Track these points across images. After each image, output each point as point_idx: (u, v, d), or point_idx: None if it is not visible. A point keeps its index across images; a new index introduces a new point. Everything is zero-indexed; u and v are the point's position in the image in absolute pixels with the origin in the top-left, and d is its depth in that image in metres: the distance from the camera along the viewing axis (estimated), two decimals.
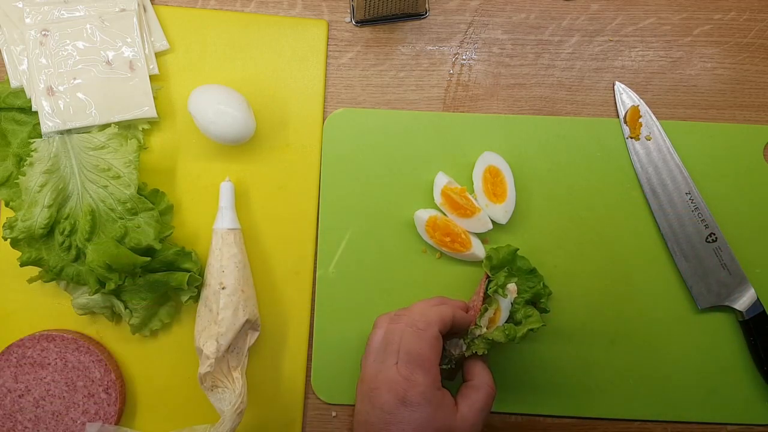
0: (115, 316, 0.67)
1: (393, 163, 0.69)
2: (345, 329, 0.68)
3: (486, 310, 0.60)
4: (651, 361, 0.68)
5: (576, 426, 0.68)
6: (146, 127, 0.68)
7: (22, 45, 0.66)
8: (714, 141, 0.69)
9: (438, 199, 0.67)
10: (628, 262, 0.68)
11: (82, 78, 0.65)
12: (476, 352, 0.59)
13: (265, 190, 0.69)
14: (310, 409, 0.68)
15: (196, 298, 0.65)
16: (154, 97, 0.66)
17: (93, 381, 0.65)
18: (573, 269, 0.68)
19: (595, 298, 0.68)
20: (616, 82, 0.70)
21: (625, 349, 0.68)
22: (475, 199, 0.67)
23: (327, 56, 0.70)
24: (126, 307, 0.65)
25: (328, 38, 0.70)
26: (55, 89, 0.65)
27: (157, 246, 0.63)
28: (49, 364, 0.65)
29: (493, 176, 0.67)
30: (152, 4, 0.69)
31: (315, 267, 0.68)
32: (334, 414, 0.68)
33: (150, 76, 0.67)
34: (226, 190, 0.66)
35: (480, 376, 0.59)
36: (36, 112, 0.65)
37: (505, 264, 0.63)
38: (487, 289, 0.62)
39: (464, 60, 0.70)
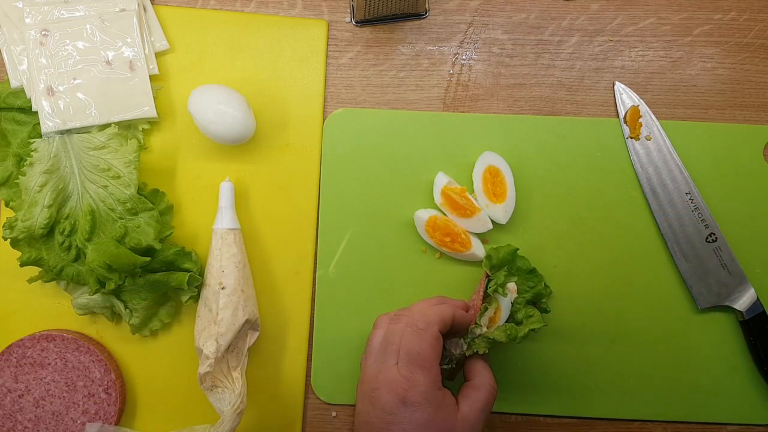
0: (115, 316, 0.67)
1: (393, 163, 0.69)
2: (345, 329, 0.68)
3: (486, 309, 0.60)
4: (651, 361, 0.68)
5: (576, 426, 0.68)
6: (146, 127, 0.68)
7: (22, 45, 0.66)
8: (714, 141, 0.69)
9: (438, 199, 0.67)
10: (628, 262, 0.68)
11: (82, 78, 0.65)
12: (477, 351, 0.59)
13: (265, 190, 0.69)
14: (310, 409, 0.68)
15: (196, 298, 0.65)
16: (154, 97, 0.66)
17: (93, 381, 0.65)
18: (573, 269, 0.68)
19: (595, 298, 0.68)
20: (616, 82, 0.70)
21: (625, 349, 0.68)
22: (475, 199, 0.67)
23: (327, 56, 0.70)
24: (126, 307, 0.65)
25: (328, 38, 0.70)
26: (55, 89, 0.65)
27: (157, 246, 0.63)
28: (49, 364, 0.65)
29: (493, 176, 0.67)
30: (152, 4, 0.69)
31: (315, 267, 0.68)
32: (334, 414, 0.68)
33: (150, 76, 0.67)
34: (226, 190, 0.66)
35: (481, 375, 0.59)
36: (36, 112, 0.65)
37: (505, 263, 0.63)
38: (486, 289, 0.62)
39: (464, 60, 0.70)
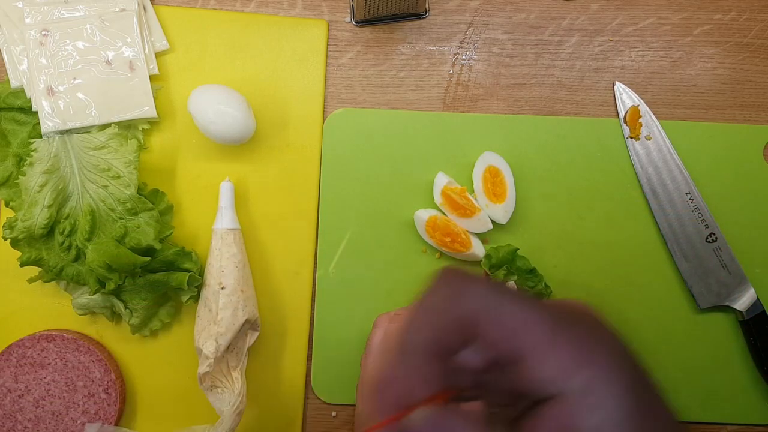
0: (115, 316, 0.67)
1: (393, 163, 0.69)
2: (345, 329, 0.68)
3: None
4: (651, 361, 0.67)
5: None
6: (146, 127, 0.68)
7: (22, 45, 0.66)
8: (714, 141, 0.69)
9: (438, 199, 0.67)
10: (628, 262, 0.68)
11: (82, 78, 0.65)
12: None
13: (265, 190, 0.69)
14: (310, 409, 0.68)
15: (196, 298, 0.65)
16: (154, 97, 0.66)
17: (93, 381, 0.65)
18: (573, 269, 0.68)
19: (595, 298, 0.68)
20: (616, 82, 0.70)
21: None
22: (475, 199, 0.67)
23: (327, 56, 0.70)
24: (126, 307, 0.65)
25: (328, 38, 0.70)
26: (55, 89, 0.65)
27: (157, 246, 0.63)
28: (49, 364, 0.65)
29: (493, 176, 0.67)
30: (152, 4, 0.69)
31: (315, 267, 0.68)
32: (334, 414, 0.68)
33: (150, 76, 0.67)
34: (225, 190, 0.66)
35: None
36: (36, 112, 0.65)
37: (504, 263, 0.63)
38: None
39: (464, 60, 0.70)
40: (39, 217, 0.63)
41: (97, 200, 0.64)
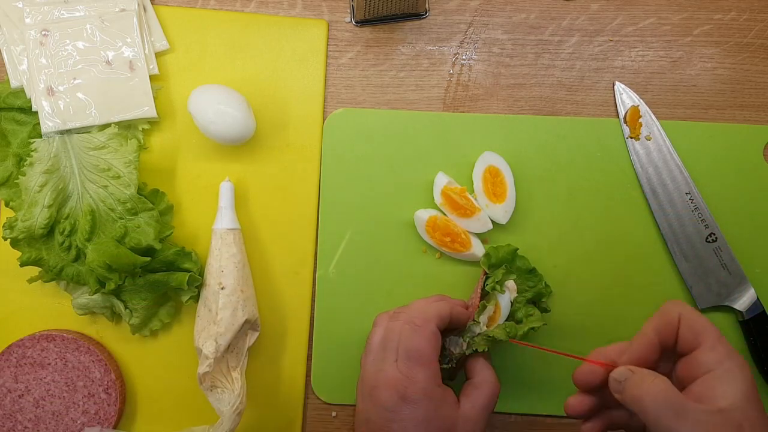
0: (115, 316, 0.67)
1: (393, 163, 0.69)
2: (345, 329, 0.68)
3: (485, 307, 0.60)
4: None
5: (576, 426, 0.68)
6: (146, 127, 0.68)
7: (22, 45, 0.66)
8: (714, 141, 0.69)
9: (438, 199, 0.67)
10: (628, 262, 0.68)
11: (82, 78, 0.65)
12: (476, 349, 0.59)
13: (265, 190, 0.69)
14: (310, 409, 0.68)
15: (196, 298, 0.65)
16: (154, 97, 0.66)
17: (93, 381, 0.65)
18: (573, 269, 0.68)
19: (595, 298, 0.68)
20: (616, 82, 0.70)
21: None
22: (475, 199, 0.67)
23: (327, 56, 0.70)
24: (126, 307, 0.65)
25: (328, 38, 0.70)
26: (55, 89, 0.65)
27: (157, 246, 0.63)
28: (49, 364, 0.65)
29: (493, 176, 0.67)
30: (152, 4, 0.69)
31: (315, 267, 0.68)
32: (334, 414, 0.68)
33: (150, 76, 0.67)
34: (225, 190, 0.66)
35: (482, 373, 0.58)
36: (36, 112, 0.65)
37: (504, 263, 0.63)
38: (484, 286, 0.62)
39: (464, 60, 0.70)
40: (39, 217, 0.63)
41: (97, 200, 0.64)
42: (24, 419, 0.65)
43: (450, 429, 0.54)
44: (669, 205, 0.68)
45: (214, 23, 0.69)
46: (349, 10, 0.70)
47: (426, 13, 0.70)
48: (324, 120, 0.69)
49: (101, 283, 0.63)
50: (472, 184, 0.67)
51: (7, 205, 0.66)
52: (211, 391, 0.62)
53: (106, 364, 0.65)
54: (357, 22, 0.70)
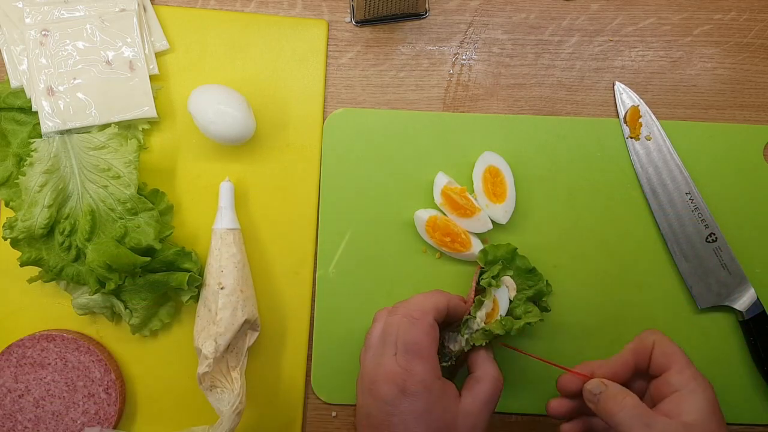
0: (115, 316, 0.67)
1: (393, 163, 0.69)
2: (345, 329, 0.68)
3: (481, 302, 0.60)
4: None
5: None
6: (146, 127, 0.68)
7: (22, 45, 0.66)
8: (714, 141, 0.69)
9: (438, 199, 0.67)
10: (628, 262, 0.68)
11: (82, 78, 0.65)
12: (474, 344, 0.59)
13: (265, 190, 0.69)
14: (310, 409, 0.68)
15: (197, 298, 0.65)
16: (154, 97, 0.66)
17: (93, 381, 0.65)
18: (573, 269, 0.68)
19: (595, 298, 0.68)
20: (616, 82, 0.70)
21: None
22: (475, 199, 0.67)
23: (327, 56, 0.70)
24: (126, 307, 0.65)
25: (328, 38, 0.70)
26: (55, 89, 0.65)
27: (157, 246, 0.63)
28: (49, 364, 0.65)
29: (493, 176, 0.67)
30: (152, 4, 0.69)
31: (315, 267, 0.68)
32: (334, 414, 0.68)
33: (150, 76, 0.67)
34: (225, 190, 0.66)
35: (483, 367, 0.58)
36: (36, 112, 0.65)
37: (503, 262, 0.63)
38: (479, 281, 0.62)
39: (464, 60, 0.70)
40: (39, 217, 0.63)
41: (97, 200, 0.64)
42: (24, 419, 0.65)
43: (450, 423, 0.54)
44: (669, 205, 0.68)
45: (214, 23, 0.69)
46: (349, 10, 0.70)
47: (426, 13, 0.70)
48: (324, 120, 0.69)
49: (101, 283, 0.63)
50: (472, 184, 0.67)
51: (7, 205, 0.66)
52: (211, 391, 0.62)
53: (106, 364, 0.65)
54: (357, 22, 0.70)
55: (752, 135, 0.69)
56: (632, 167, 0.69)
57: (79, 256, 0.64)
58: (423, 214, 0.67)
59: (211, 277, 0.64)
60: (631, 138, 0.69)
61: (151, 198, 0.66)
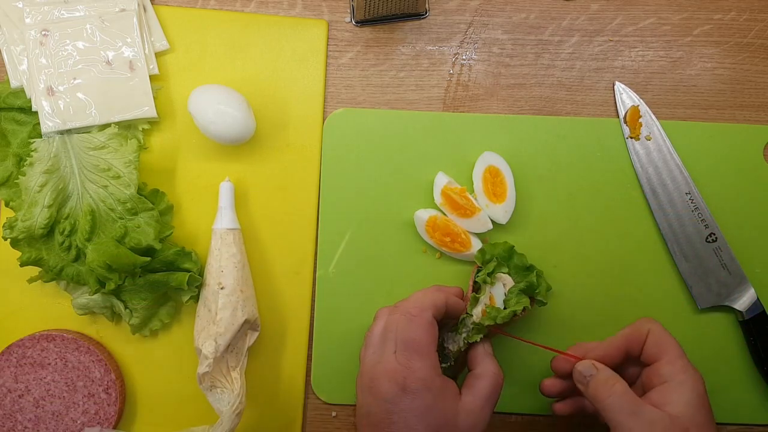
0: (115, 316, 0.67)
1: (393, 163, 0.69)
2: (345, 329, 0.68)
3: (477, 299, 0.60)
4: None
5: (576, 426, 0.68)
6: (146, 127, 0.68)
7: (22, 45, 0.66)
8: (714, 141, 0.69)
9: (438, 199, 0.67)
10: (628, 262, 0.68)
11: (82, 78, 0.65)
12: (468, 341, 0.59)
13: (265, 190, 0.69)
14: (310, 409, 0.68)
15: (197, 298, 0.65)
16: (154, 97, 0.66)
17: (93, 381, 0.65)
18: (573, 269, 0.68)
19: (595, 298, 0.68)
20: (616, 82, 0.70)
21: None
22: (475, 199, 0.67)
23: (327, 56, 0.70)
24: (126, 307, 0.65)
25: (328, 38, 0.70)
26: (55, 89, 0.65)
27: (157, 246, 0.63)
28: (49, 364, 0.65)
29: (493, 176, 0.67)
30: (152, 4, 0.69)
31: (315, 267, 0.68)
32: (334, 414, 0.68)
33: (150, 76, 0.67)
34: (225, 190, 0.66)
35: (483, 363, 0.58)
36: (36, 112, 0.65)
37: (501, 260, 0.63)
38: (476, 279, 0.62)
39: (464, 60, 0.70)
40: (39, 217, 0.63)
41: (97, 200, 0.64)
42: (24, 419, 0.65)
43: (451, 420, 0.54)
44: (669, 205, 0.68)
45: (214, 23, 0.69)
46: (349, 10, 0.70)
47: (426, 13, 0.70)
48: (324, 120, 0.69)
49: (101, 283, 0.63)
50: (472, 184, 0.67)
51: (7, 205, 0.66)
52: (211, 391, 0.62)
53: (106, 364, 0.65)
54: (357, 22, 0.70)
55: (752, 135, 0.69)
56: (632, 167, 0.69)
57: (79, 256, 0.64)
58: (423, 214, 0.67)
59: (211, 277, 0.64)
60: (631, 138, 0.69)
61: (151, 198, 0.66)
